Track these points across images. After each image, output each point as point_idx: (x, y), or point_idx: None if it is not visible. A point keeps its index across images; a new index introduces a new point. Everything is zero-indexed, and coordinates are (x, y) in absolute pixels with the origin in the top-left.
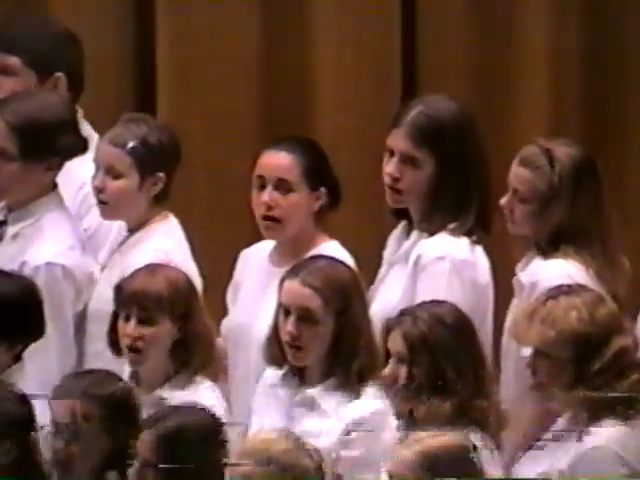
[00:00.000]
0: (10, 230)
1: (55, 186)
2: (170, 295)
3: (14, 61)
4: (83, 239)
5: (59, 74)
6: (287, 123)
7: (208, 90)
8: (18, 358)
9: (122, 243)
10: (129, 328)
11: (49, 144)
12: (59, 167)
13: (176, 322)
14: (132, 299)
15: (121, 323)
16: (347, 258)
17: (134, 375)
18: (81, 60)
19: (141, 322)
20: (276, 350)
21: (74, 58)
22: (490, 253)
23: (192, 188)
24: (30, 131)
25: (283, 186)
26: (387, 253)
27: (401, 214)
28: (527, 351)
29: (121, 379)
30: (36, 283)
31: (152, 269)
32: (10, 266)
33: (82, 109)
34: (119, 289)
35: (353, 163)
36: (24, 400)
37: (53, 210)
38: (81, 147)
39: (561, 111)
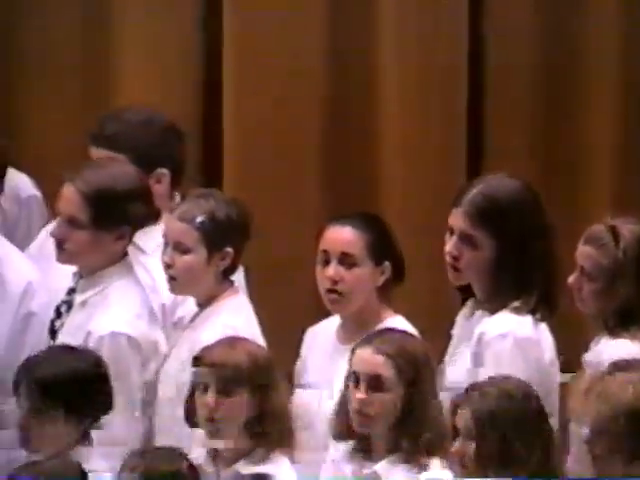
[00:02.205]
0: (78, 297)
1: (125, 254)
2: (249, 368)
3: (120, 159)
4: (151, 308)
5: (164, 170)
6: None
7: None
8: (86, 434)
9: (192, 319)
10: (207, 399)
11: (120, 213)
12: (130, 237)
13: (254, 395)
14: (211, 370)
15: (198, 394)
16: (413, 333)
17: (211, 450)
18: (184, 155)
19: (219, 394)
20: (343, 423)
21: (179, 153)
22: (560, 331)
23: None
24: (101, 200)
25: (347, 261)
26: (455, 330)
27: (468, 290)
28: (586, 427)
29: (187, 457)
30: (102, 355)
31: (232, 341)
32: (77, 334)
33: None
34: (197, 361)
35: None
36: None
37: (121, 279)
38: (152, 216)
39: (626, 190)
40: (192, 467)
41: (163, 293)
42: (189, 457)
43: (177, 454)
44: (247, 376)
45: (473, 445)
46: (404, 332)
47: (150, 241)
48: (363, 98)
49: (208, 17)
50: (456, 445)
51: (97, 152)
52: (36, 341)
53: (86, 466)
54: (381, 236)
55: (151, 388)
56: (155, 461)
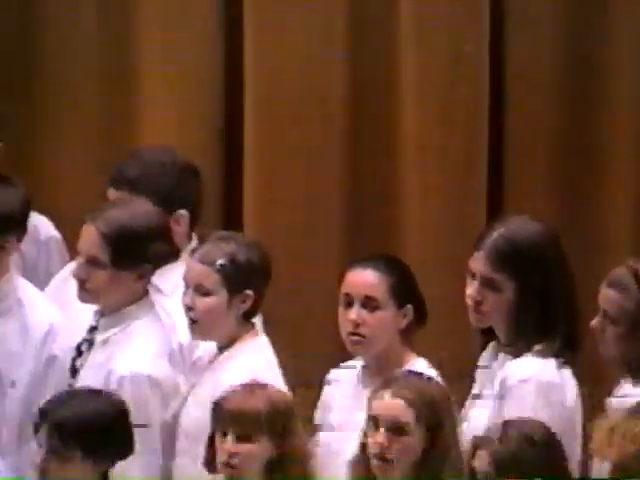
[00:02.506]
0: (100, 336)
1: (146, 293)
2: (268, 414)
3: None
4: (171, 348)
5: (182, 211)
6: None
7: None
8: (105, 476)
9: (212, 361)
10: (226, 445)
11: (140, 252)
12: (151, 275)
13: (273, 440)
14: (230, 417)
15: (218, 440)
16: (435, 376)
17: None
18: (202, 195)
19: (239, 439)
20: (363, 467)
21: (197, 194)
22: (584, 375)
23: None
24: (121, 240)
25: (370, 304)
26: (478, 373)
27: (490, 333)
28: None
29: None
30: (123, 395)
31: (251, 387)
32: (99, 373)
33: None
34: (217, 406)
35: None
36: None
37: (143, 318)
38: (172, 255)
39: None
40: None
41: (181, 333)
42: None
43: None
44: (266, 422)
45: None
46: (423, 375)
47: (167, 282)
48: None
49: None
50: None
51: (116, 194)
52: (58, 383)
53: None
54: (403, 279)
55: (171, 429)
56: None
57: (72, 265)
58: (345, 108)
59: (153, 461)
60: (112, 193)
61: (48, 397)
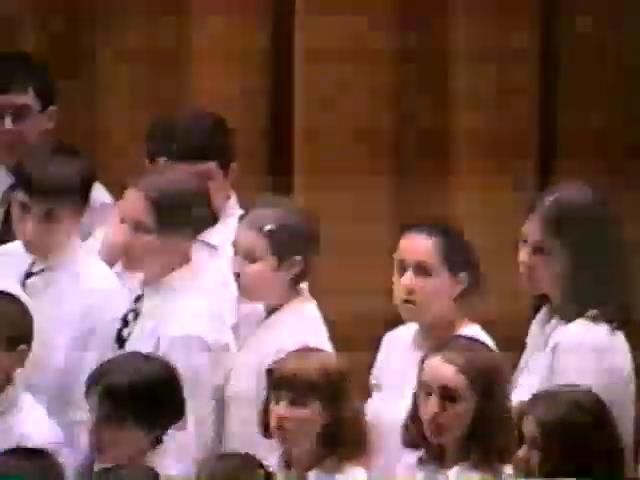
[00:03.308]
0: (146, 304)
1: (189, 258)
2: (320, 379)
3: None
4: (219, 311)
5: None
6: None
7: None
8: (158, 441)
9: (260, 325)
10: (279, 410)
11: (185, 217)
12: (193, 240)
13: (326, 405)
14: (283, 382)
15: (272, 404)
16: (489, 342)
17: (285, 456)
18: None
19: (291, 404)
20: (415, 431)
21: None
22: (637, 341)
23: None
24: (167, 204)
25: (423, 270)
26: (529, 338)
27: (544, 299)
28: None
29: (261, 464)
30: (173, 358)
31: (304, 352)
32: (146, 341)
33: None
34: (270, 371)
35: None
36: None
37: (188, 282)
38: (212, 220)
39: None
40: (269, 474)
41: (234, 286)
42: (264, 464)
43: (253, 461)
44: (319, 387)
45: (538, 453)
46: (474, 340)
47: (214, 236)
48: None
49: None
50: (521, 452)
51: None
52: (100, 354)
53: (159, 472)
54: (458, 246)
55: (221, 391)
56: (233, 468)
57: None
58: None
59: (205, 422)
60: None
61: (88, 367)
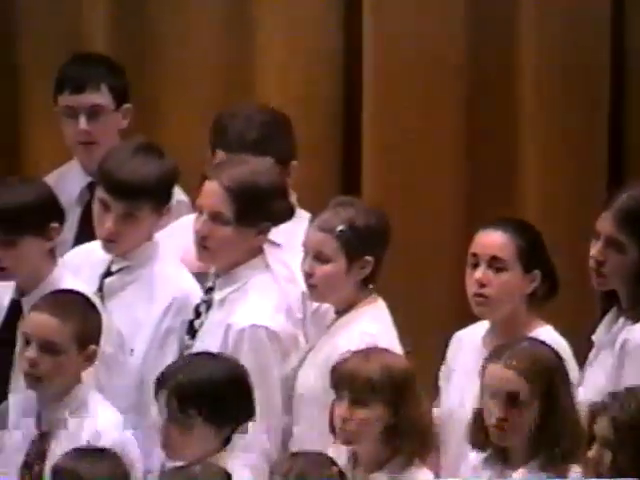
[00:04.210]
0: (217, 295)
1: (262, 250)
2: (382, 379)
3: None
4: (289, 304)
5: (294, 162)
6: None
7: None
8: (228, 439)
9: (330, 325)
10: (341, 410)
11: (263, 209)
12: (268, 232)
13: (388, 406)
14: (344, 381)
15: (336, 403)
16: (561, 343)
17: (353, 457)
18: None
19: (353, 404)
20: (480, 433)
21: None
22: None
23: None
24: (245, 195)
25: (496, 265)
26: (597, 337)
27: (612, 297)
28: None
29: (334, 462)
30: (242, 348)
31: (367, 353)
32: (217, 331)
33: None
34: (334, 371)
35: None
36: None
37: (259, 274)
38: (289, 213)
39: None
40: (342, 473)
41: (301, 282)
42: (337, 463)
43: (327, 459)
44: (380, 388)
45: (610, 454)
46: (535, 341)
47: (276, 235)
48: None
49: (346, 17)
50: (592, 452)
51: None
52: (175, 355)
53: (229, 470)
54: (532, 243)
55: (289, 384)
56: (307, 466)
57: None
58: (462, 74)
59: (274, 413)
60: (220, 155)
61: (162, 369)
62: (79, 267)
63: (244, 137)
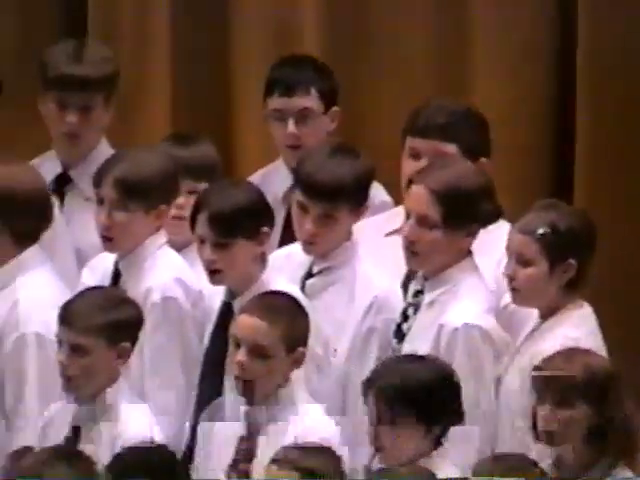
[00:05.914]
0: (426, 298)
1: (470, 252)
2: (584, 380)
3: (451, 149)
4: (498, 307)
5: (484, 160)
6: None
7: None
8: (438, 442)
9: (533, 330)
10: (544, 412)
11: (471, 211)
12: (477, 233)
13: (593, 407)
14: (547, 382)
15: (538, 406)
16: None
17: (557, 459)
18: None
19: (558, 406)
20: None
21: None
22: None
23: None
24: (453, 198)
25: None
26: None
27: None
28: None
29: (536, 464)
30: (455, 347)
31: (570, 353)
32: (427, 333)
33: None
34: (537, 371)
35: None
36: None
37: (469, 275)
38: (497, 214)
39: None
40: (544, 475)
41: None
42: (539, 465)
43: (528, 461)
44: (582, 389)
45: None
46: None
47: None
48: None
49: (559, 17)
50: None
51: (421, 143)
52: (378, 355)
53: (438, 474)
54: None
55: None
56: (509, 468)
57: None
58: None
59: (481, 413)
60: (416, 142)
61: (369, 366)
62: (280, 269)
63: (431, 122)
